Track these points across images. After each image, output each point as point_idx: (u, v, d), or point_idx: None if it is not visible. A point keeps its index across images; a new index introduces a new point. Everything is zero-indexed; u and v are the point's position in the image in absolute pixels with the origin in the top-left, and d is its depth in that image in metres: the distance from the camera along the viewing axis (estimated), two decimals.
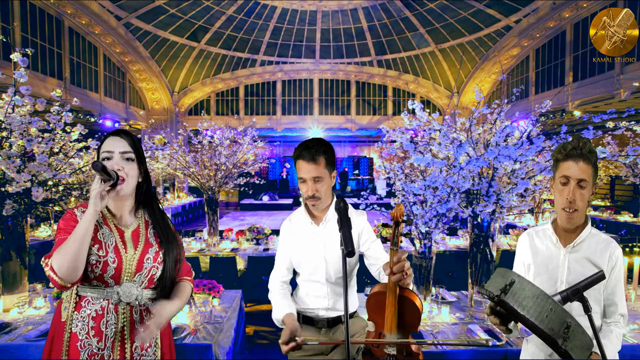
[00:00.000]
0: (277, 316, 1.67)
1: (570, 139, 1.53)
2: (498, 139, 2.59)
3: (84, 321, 1.35)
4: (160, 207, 1.57)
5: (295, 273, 1.93)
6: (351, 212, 1.85)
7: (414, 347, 1.53)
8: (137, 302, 1.39)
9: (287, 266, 1.86)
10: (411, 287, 1.49)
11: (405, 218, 1.54)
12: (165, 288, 1.48)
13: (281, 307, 1.68)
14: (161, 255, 1.45)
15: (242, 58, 15.22)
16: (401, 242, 1.53)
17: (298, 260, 1.83)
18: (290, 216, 1.94)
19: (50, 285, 2.90)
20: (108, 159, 1.38)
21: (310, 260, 1.80)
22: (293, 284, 1.95)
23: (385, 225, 1.59)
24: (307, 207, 1.84)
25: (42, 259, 1.27)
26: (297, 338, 1.44)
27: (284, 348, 1.43)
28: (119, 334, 1.36)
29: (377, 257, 1.79)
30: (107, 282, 1.36)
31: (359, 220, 1.84)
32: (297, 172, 1.73)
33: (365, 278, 4.19)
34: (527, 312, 1.05)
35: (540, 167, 2.53)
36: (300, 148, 1.70)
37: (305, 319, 1.85)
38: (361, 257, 1.94)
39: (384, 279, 1.69)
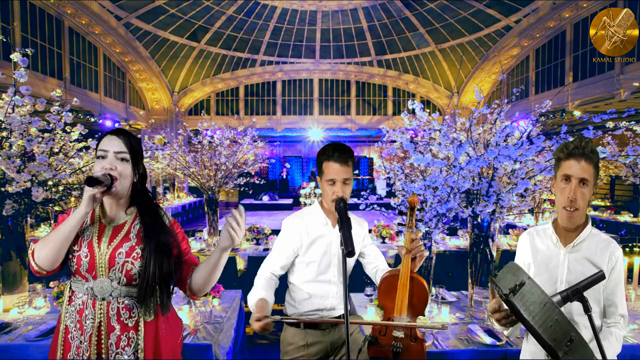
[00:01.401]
0: (251, 300, 1.64)
1: (571, 139, 1.53)
2: (498, 139, 2.59)
3: (72, 314, 1.39)
4: (156, 204, 1.52)
5: (287, 274, 1.91)
6: (356, 217, 1.95)
7: (419, 334, 1.62)
8: (112, 298, 1.37)
9: (283, 264, 1.82)
10: (416, 269, 1.67)
11: (419, 206, 1.74)
12: (141, 288, 1.37)
13: (259, 293, 1.65)
14: (138, 250, 1.38)
15: (242, 58, 15.22)
16: (415, 225, 1.72)
17: (309, 259, 1.81)
18: (300, 213, 1.90)
19: (51, 284, 2.91)
20: (103, 157, 1.39)
21: (324, 259, 1.81)
22: (285, 286, 1.95)
23: (400, 213, 1.82)
24: (324, 207, 1.86)
25: (32, 243, 1.38)
26: (269, 316, 1.45)
27: (257, 325, 1.42)
28: (96, 329, 1.36)
29: (375, 257, 1.94)
30: (85, 276, 1.37)
31: (365, 225, 2.00)
32: (325, 174, 1.73)
33: (365, 278, 4.19)
34: (533, 319, 1.03)
35: (540, 167, 2.53)
36: (331, 149, 1.73)
37: (308, 323, 1.82)
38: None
39: (379, 277, 1.83)
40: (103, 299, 1.37)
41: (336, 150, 1.72)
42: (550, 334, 1.02)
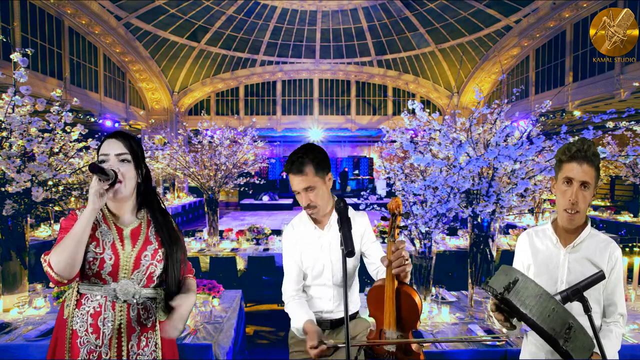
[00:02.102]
0: (297, 325, 1.65)
1: (570, 139, 1.53)
2: (498, 139, 2.59)
3: (83, 318, 1.36)
4: (163, 206, 1.56)
5: None
6: (353, 213, 1.89)
7: (413, 346, 1.53)
8: (134, 300, 1.39)
9: (297, 274, 1.82)
10: (408, 279, 1.51)
11: (403, 211, 1.55)
12: (170, 288, 1.47)
13: (299, 316, 1.65)
14: (160, 253, 1.44)
15: (242, 58, 15.22)
16: (398, 234, 1.53)
17: (305, 265, 1.82)
18: (291, 223, 1.92)
19: (51, 285, 2.91)
20: (104, 161, 1.40)
21: (316, 264, 1.80)
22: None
23: (383, 218, 1.62)
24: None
25: (42, 255, 1.31)
26: (325, 342, 1.42)
27: (314, 352, 1.40)
28: (116, 331, 1.36)
29: (376, 257, 1.84)
30: (104, 279, 1.37)
31: (362, 220, 1.89)
32: (292, 185, 1.75)
33: (365, 279, 4.19)
34: (530, 311, 1.05)
35: (540, 167, 2.53)
36: (288, 162, 1.70)
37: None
38: (361, 257, 1.96)
39: (380, 277, 1.75)
40: (124, 301, 1.37)
41: (290, 161, 1.69)
42: (549, 323, 1.03)
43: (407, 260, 1.43)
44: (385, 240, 1.52)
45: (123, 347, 1.36)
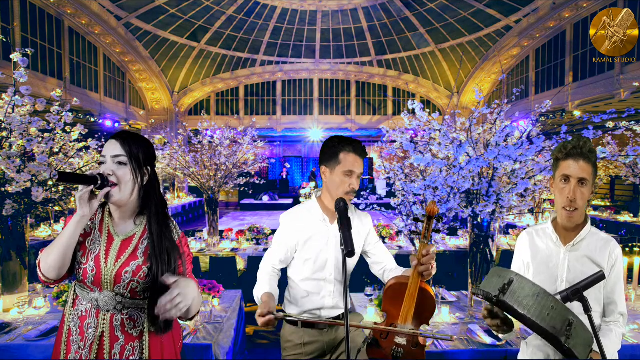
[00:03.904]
0: (257, 293, 1.67)
1: (571, 139, 1.53)
2: (498, 139, 2.59)
3: (74, 319, 1.37)
4: (165, 216, 1.45)
5: (287, 269, 1.90)
6: (358, 212, 1.92)
7: (421, 340, 1.58)
8: (116, 311, 1.36)
9: (282, 258, 1.80)
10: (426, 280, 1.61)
11: (437, 215, 1.64)
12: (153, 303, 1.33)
13: (263, 287, 1.68)
14: (145, 269, 1.36)
15: (242, 58, 15.22)
16: (431, 237, 1.64)
17: (306, 256, 1.79)
18: (296, 210, 1.87)
19: (51, 285, 2.91)
20: (103, 163, 1.35)
21: (320, 258, 1.78)
22: (284, 284, 1.93)
23: (416, 220, 1.73)
24: (322, 203, 1.84)
25: (40, 251, 1.36)
26: (274, 313, 1.46)
27: (260, 320, 1.43)
28: (98, 338, 1.34)
29: (382, 257, 1.89)
30: (90, 287, 1.35)
31: (367, 220, 1.93)
32: (342, 164, 1.72)
33: (365, 278, 4.19)
34: (528, 311, 1.02)
35: (540, 167, 2.53)
36: (350, 141, 1.74)
37: (305, 322, 1.81)
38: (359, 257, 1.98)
39: (387, 277, 1.80)
40: (107, 311, 1.35)
41: (356, 143, 1.74)
42: (549, 322, 1.01)
43: (434, 263, 1.55)
44: (417, 242, 1.61)
45: (105, 354, 1.34)
